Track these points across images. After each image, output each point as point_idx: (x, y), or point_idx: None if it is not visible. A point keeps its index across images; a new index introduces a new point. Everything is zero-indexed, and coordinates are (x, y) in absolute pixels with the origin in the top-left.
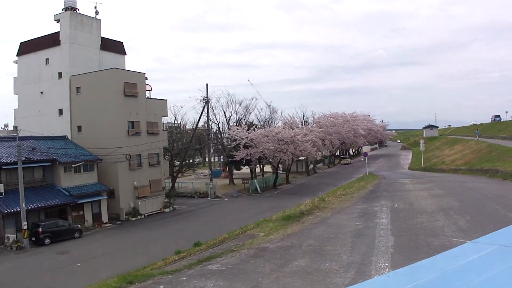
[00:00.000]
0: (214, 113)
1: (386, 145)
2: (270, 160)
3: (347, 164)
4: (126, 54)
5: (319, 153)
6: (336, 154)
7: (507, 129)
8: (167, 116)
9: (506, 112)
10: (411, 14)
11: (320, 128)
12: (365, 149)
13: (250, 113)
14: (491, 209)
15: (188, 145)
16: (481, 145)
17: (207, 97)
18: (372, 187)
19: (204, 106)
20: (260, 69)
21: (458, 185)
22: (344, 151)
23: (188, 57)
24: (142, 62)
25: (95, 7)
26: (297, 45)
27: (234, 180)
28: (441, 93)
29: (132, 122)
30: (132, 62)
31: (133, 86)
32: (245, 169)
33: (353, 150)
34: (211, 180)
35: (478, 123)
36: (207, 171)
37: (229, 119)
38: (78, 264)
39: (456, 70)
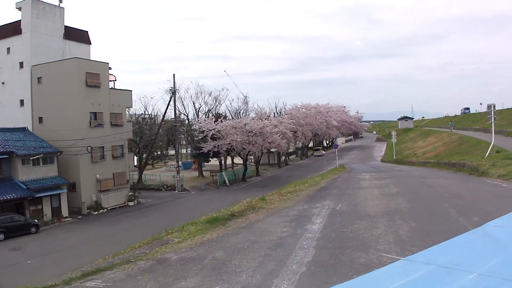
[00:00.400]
0: (183, 104)
1: (362, 137)
2: (239, 152)
3: (320, 156)
4: (91, 44)
5: (292, 144)
6: (309, 146)
7: (480, 121)
8: (132, 107)
9: (481, 104)
10: (388, 6)
11: (291, 119)
12: (339, 140)
13: (220, 104)
14: (443, 213)
15: (155, 137)
16: (453, 137)
17: (174, 87)
18: (326, 183)
19: (171, 97)
20: (239, 60)
21: (417, 182)
22: (318, 143)
23: (166, 48)
24: (121, 53)
25: None
26: (276, 37)
27: (204, 173)
28: (418, 85)
29: (95, 113)
30: (109, 53)
31: (95, 76)
32: (216, 161)
33: (327, 142)
34: (178, 172)
35: (451, 115)
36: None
37: (198, 110)
38: (29, 262)
39: (433, 62)
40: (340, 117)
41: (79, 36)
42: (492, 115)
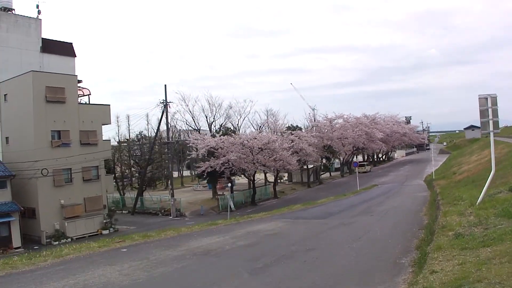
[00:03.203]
0: (193, 118)
1: (429, 148)
2: (239, 172)
3: (365, 172)
4: (75, 56)
5: (318, 159)
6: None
7: None
8: (109, 123)
9: None
10: (464, 11)
11: (317, 132)
12: (399, 153)
13: (243, 118)
14: None
15: (150, 155)
16: (504, 150)
17: (166, 100)
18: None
19: (163, 111)
20: (311, 73)
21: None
22: (368, 156)
23: (238, 64)
24: (196, 70)
25: (37, 6)
26: (347, 48)
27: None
28: (498, 92)
29: (58, 131)
30: (185, 71)
31: (59, 91)
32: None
33: (381, 155)
34: (172, 195)
35: None
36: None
37: (211, 125)
38: None
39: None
40: (390, 128)
41: (61, 49)
42: None
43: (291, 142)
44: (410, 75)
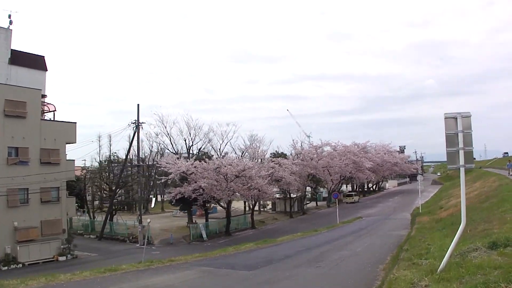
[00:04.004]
0: (171, 141)
1: (417, 180)
2: (214, 199)
3: (352, 202)
4: (47, 70)
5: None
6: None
7: None
8: (75, 142)
9: None
10: (460, 43)
11: (301, 160)
12: (391, 183)
13: (225, 143)
14: None
15: (119, 178)
16: (495, 184)
17: (138, 120)
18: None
19: (134, 132)
20: (308, 100)
21: None
22: (357, 186)
23: (237, 88)
24: (193, 92)
25: (9, 16)
26: (346, 76)
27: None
28: (493, 123)
29: (16, 148)
30: (180, 92)
31: (20, 105)
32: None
33: (371, 185)
34: (140, 222)
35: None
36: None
37: (189, 148)
38: None
39: (508, 98)
40: (381, 158)
41: (31, 61)
42: None
43: (271, 169)
44: (407, 105)
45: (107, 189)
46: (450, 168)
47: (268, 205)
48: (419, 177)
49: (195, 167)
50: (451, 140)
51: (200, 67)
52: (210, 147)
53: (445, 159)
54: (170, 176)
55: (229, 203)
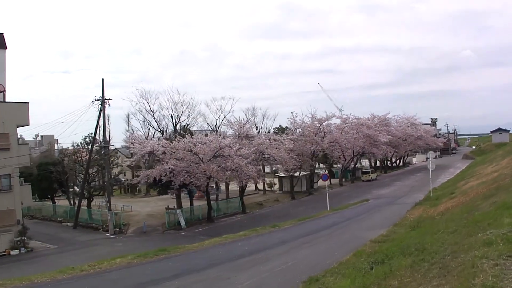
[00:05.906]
0: (156, 120)
1: (454, 152)
2: (182, 184)
3: (369, 180)
4: (6, 48)
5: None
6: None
7: None
8: (28, 124)
9: None
10: (498, 12)
11: (302, 136)
12: (419, 158)
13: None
14: None
15: (88, 164)
16: None
17: (103, 96)
18: None
19: (100, 111)
20: (343, 74)
21: None
22: (380, 162)
23: (270, 64)
24: (225, 70)
25: None
26: (380, 49)
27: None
28: None
29: None
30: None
31: None
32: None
33: (395, 160)
34: (109, 209)
35: None
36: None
37: (175, 126)
38: None
39: None
40: (402, 131)
41: None
42: None
43: (254, 148)
44: (443, 77)
45: (83, 173)
46: None
47: (275, 184)
48: (429, 154)
49: (163, 146)
50: None
51: (232, 44)
52: (206, 124)
53: (483, 132)
54: (133, 158)
55: (206, 186)
